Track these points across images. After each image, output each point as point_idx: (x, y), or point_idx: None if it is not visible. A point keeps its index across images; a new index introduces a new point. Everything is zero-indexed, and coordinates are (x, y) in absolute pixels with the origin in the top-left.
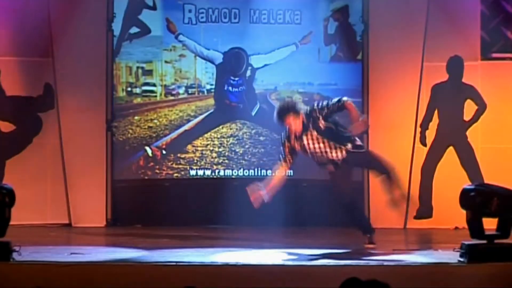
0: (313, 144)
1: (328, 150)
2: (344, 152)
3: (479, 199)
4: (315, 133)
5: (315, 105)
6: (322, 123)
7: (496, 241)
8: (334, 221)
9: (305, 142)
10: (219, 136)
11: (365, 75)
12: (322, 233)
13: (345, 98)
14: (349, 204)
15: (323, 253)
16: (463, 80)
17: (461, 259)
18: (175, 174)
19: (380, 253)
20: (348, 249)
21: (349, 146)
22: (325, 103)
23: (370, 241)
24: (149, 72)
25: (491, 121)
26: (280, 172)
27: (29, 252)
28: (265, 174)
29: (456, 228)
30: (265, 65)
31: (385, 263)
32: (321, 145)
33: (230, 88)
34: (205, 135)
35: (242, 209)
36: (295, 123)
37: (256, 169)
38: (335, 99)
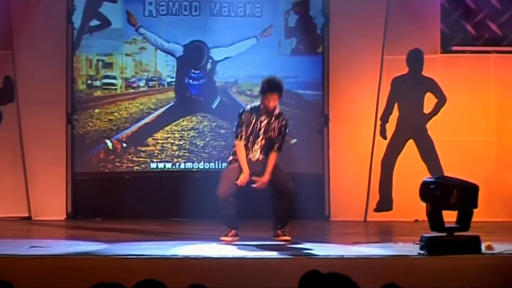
0: (264, 132)
1: (261, 147)
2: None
3: (439, 191)
4: (270, 124)
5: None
6: (278, 126)
7: (456, 233)
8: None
9: (261, 124)
10: (179, 129)
11: (325, 68)
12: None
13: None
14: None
15: (281, 245)
16: (423, 73)
17: (421, 252)
18: (136, 167)
19: (340, 245)
20: (304, 241)
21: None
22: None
23: (283, 234)
24: (109, 65)
25: (451, 114)
26: (241, 148)
27: None
28: (225, 167)
29: (416, 220)
30: (226, 58)
31: (346, 256)
32: (263, 139)
33: (190, 81)
34: (166, 128)
35: (203, 202)
36: (274, 101)
37: (216, 162)
38: (282, 143)
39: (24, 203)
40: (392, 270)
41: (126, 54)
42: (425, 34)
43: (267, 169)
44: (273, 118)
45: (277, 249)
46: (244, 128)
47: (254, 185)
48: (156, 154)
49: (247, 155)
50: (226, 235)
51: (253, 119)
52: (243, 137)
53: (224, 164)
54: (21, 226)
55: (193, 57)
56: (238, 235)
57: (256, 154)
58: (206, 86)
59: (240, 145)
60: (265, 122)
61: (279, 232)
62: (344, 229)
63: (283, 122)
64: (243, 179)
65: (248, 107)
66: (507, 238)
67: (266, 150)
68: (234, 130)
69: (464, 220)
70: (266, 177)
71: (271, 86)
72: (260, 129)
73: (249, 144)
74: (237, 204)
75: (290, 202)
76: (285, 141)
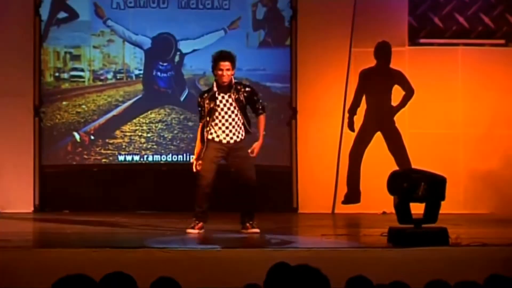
0: (225, 110)
1: (231, 128)
2: (235, 140)
3: (406, 184)
4: (231, 100)
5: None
6: (243, 96)
7: (423, 225)
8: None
9: (219, 103)
10: (147, 121)
11: (293, 60)
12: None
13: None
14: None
15: (249, 237)
16: (391, 65)
17: (389, 244)
18: (103, 160)
19: (308, 238)
20: (273, 234)
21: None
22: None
23: (251, 227)
24: (77, 57)
25: (419, 107)
26: (201, 130)
27: None
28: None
29: (384, 213)
30: (194, 50)
31: (314, 248)
32: (231, 118)
33: (158, 73)
34: (134, 121)
35: (171, 195)
36: (227, 72)
37: (184, 155)
38: (261, 104)
39: None
40: (360, 262)
41: (94, 47)
42: (393, 27)
43: (259, 132)
44: (233, 91)
45: (245, 241)
46: (204, 112)
47: (251, 153)
48: (124, 146)
49: (219, 141)
50: (193, 227)
51: (210, 101)
52: (203, 120)
53: (192, 157)
54: None
55: (161, 50)
56: (203, 228)
57: (230, 136)
58: (174, 78)
59: (200, 127)
60: (225, 99)
61: (248, 225)
62: (312, 221)
63: (247, 89)
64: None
65: (200, 95)
66: (474, 230)
67: (241, 129)
68: None
69: (432, 213)
70: (260, 141)
71: (221, 55)
72: (222, 109)
73: (219, 128)
74: (210, 197)
75: (253, 193)
76: (262, 103)
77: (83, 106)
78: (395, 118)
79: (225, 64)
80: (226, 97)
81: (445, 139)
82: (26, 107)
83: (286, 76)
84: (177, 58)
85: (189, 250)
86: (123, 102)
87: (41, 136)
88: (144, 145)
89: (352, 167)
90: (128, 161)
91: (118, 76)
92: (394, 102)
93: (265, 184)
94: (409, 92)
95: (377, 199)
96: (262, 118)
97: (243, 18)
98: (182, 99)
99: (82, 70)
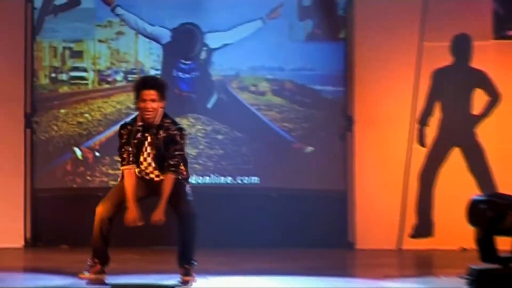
0: (149, 146)
1: (152, 163)
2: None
3: (490, 213)
4: (151, 138)
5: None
6: (161, 140)
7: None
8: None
9: (143, 138)
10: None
11: (348, 57)
12: (290, 254)
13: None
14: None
15: (303, 279)
16: (471, 64)
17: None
18: (112, 182)
19: (368, 280)
20: (330, 275)
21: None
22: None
23: (185, 273)
24: (78, 54)
25: (507, 115)
26: (128, 177)
27: None
28: (224, 181)
29: (463, 249)
30: (224, 45)
31: None
32: (151, 157)
33: (180, 73)
34: None
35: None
36: (156, 104)
37: (213, 176)
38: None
39: None
40: None
41: (100, 41)
42: (474, 16)
43: (161, 199)
44: (160, 130)
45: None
46: (124, 148)
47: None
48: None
49: (139, 171)
50: (88, 270)
51: (131, 134)
52: (126, 159)
53: (222, 178)
54: None
55: (184, 44)
56: (104, 271)
57: (148, 170)
58: (199, 80)
59: (124, 171)
60: (147, 135)
61: (182, 269)
62: (373, 259)
63: (175, 132)
64: (130, 219)
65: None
66: None
67: (160, 166)
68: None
69: None
70: (159, 211)
71: (145, 82)
72: (142, 142)
73: (138, 159)
74: (111, 229)
75: (189, 229)
76: (183, 156)
77: (86, 115)
78: (477, 130)
79: (150, 93)
80: (150, 133)
81: None
82: (15, 116)
83: (339, 76)
84: (203, 55)
85: None
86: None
87: (34, 152)
88: None
89: (423, 191)
90: None
91: (130, 77)
92: (476, 109)
93: (313, 213)
94: (494, 97)
95: (454, 232)
96: (171, 178)
97: (285, 4)
98: (209, 106)
99: (85, 70)
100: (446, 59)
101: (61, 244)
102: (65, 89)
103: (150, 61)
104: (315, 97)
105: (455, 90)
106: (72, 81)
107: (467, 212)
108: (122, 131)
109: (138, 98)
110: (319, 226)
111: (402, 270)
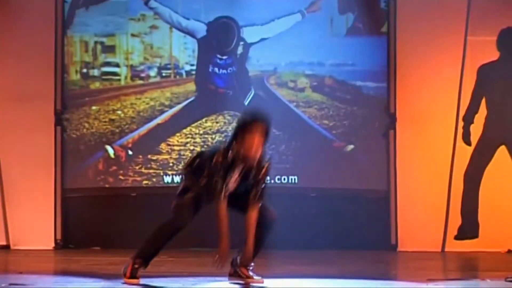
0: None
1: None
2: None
3: None
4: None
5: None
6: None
7: None
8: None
9: (239, 171)
10: (201, 132)
11: (391, 52)
12: (330, 257)
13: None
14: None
15: (343, 281)
16: None
17: None
18: (145, 181)
19: (412, 283)
20: (371, 278)
21: None
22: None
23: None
24: (110, 49)
25: None
26: (222, 212)
27: None
28: None
29: (510, 251)
30: (262, 39)
31: None
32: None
33: (216, 69)
34: (184, 131)
35: (233, 226)
36: (258, 144)
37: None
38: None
39: (0, 229)
40: None
41: (133, 35)
42: None
43: (248, 240)
44: (255, 166)
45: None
46: (221, 174)
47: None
48: (171, 164)
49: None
50: (134, 275)
51: (232, 163)
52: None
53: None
54: None
55: (220, 39)
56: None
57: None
58: (236, 76)
59: (225, 200)
60: (243, 169)
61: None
62: (416, 262)
63: (267, 167)
64: (224, 251)
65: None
66: None
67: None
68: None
69: None
70: (249, 249)
71: (257, 115)
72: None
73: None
74: None
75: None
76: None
77: (119, 112)
78: None
79: (255, 135)
80: (246, 167)
81: None
82: (45, 113)
83: (381, 73)
84: (240, 50)
85: None
86: (171, 106)
87: (64, 151)
88: None
89: (469, 191)
90: (177, 183)
91: (164, 73)
92: None
93: (355, 213)
94: None
95: (501, 233)
96: (255, 215)
97: None
98: (246, 102)
99: (117, 65)
100: (492, 54)
101: (93, 246)
102: (96, 85)
103: (185, 56)
104: (356, 94)
105: (501, 86)
106: (104, 77)
107: None
108: (226, 158)
109: (246, 131)
110: (360, 227)
111: (446, 273)
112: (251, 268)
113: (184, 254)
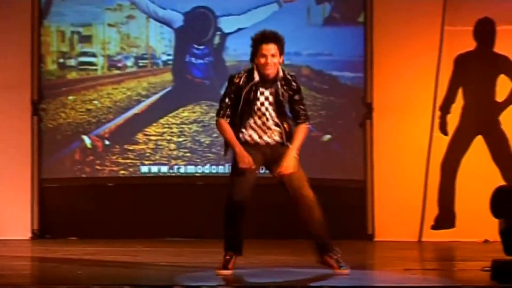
0: (265, 105)
1: (270, 124)
2: (274, 139)
3: None
4: (272, 96)
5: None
6: (285, 95)
7: None
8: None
9: (260, 96)
10: (178, 121)
11: (368, 42)
12: (308, 246)
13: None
14: (232, 212)
15: (315, 272)
16: (495, 49)
17: (493, 282)
18: (122, 171)
19: (388, 273)
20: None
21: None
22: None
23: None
24: (87, 39)
25: None
26: (225, 124)
27: None
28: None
29: (486, 241)
30: (239, 29)
31: (394, 287)
32: (269, 113)
33: (193, 59)
34: (161, 121)
35: (208, 216)
36: (274, 57)
37: (227, 165)
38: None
39: None
40: None
41: (109, 25)
42: None
43: (294, 142)
44: (279, 86)
45: (307, 279)
46: (228, 99)
47: (277, 173)
48: (148, 154)
49: (251, 139)
50: (225, 266)
51: (247, 87)
52: (226, 113)
53: None
54: None
55: (196, 29)
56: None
57: (264, 129)
58: (213, 66)
59: (221, 121)
60: (266, 93)
61: (327, 258)
62: (393, 252)
63: (294, 84)
64: (244, 162)
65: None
66: None
67: (277, 129)
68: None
69: None
70: (288, 160)
71: (265, 36)
72: (258, 101)
73: (248, 123)
74: (244, 218)
75: (318, 215)
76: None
77: (95, 102)
78: (501, 117)
79: (269, 47)
80: (269, 89)
81: None
82: (21, 103)
83: (358, 63)
84: (217, 40)
85: None
86: (147, 96)
87: (41, 141)
88: (174, 153)
89: (445, 181)
90: (154, 173)
91: (141, 63)
92: (500, 97)
93: (331, 203)
94: None
95: (477, 223)
96: (305, 127)
97: None
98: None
99: (94, 55)
100: (469, 44)
101: (69, 236)
102: (73, 75)
103: (162, 46)
104: (333, 84)
105: (478, 76)
106: (81, 67)
107: (491, 203)
108: (235, 80)
109: (257, 53)
110: (337, 216)
111: (423, 263)
112: (334, 256)
113: (160, 244)
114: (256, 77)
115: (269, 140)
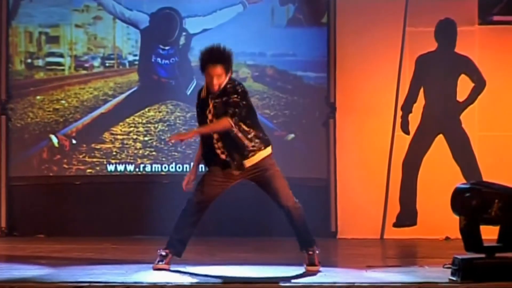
0: (209, 117)
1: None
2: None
3: (476, 201)
4: (213, 108)
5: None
6: (220, 103)
7: (497, 254)
8: (288, 228)
9: (208, 110)
10: (144, 121)
11: (331, 43)
12: (270, 244)
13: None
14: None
15: (280, 270)
16: (456, 50)
17: (453, 278)
18: (88, 170)
19: (350, 270)
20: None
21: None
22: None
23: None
24: (55, 39)
25: (492, 102)
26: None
27: None
28: (202, 170)
29: (447, 238)
30: (204, 30)
31: (357, 283)
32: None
33: (158, 59)
34: (127, 120)
35: (173, 215)
36: (220, 77)
37: (191, 164)
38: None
39: None
40: None
41: (77, 26)
42: (459, 0)
43: (204, 126)
44: (218, 99)
45: (271, 275)
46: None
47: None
48: (114, 153)
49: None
50: (161, 261)
51: (200, 103)
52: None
53: (201, 167)
54: None
55: (162, 29)
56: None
57: (211, 142)
58: (178, 66)
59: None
60: (211, 105)
61: (303, 253)
62: (355, 249)
63: (231, 89)
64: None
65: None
66: None
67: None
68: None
69: (507, 238)
70: (182, 134)
71: (211, 56)
72: (204, 111)
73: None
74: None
75: (299, 220)
76: (240, 107)
77: (63, 102)
78: (462, 117)
79: (215, 69)
80: (213, 101)
81: None
82: None
83: (322, 63)
84: (182, 40)
85: (195, 285)
86: (114, 96)
87: (9, 140)
88: (140, 152)
89: (407, 180)
90: (120, 171)
91: (107, 63)
92: (460, 96)
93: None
94: (479, 84)
95: (438, 221)
96: (225, 119)
97: None
98: (188, 92)
99: (61, 55)
100: (430, 45)
101: (37, 233)
102: (41, 75)
103: (128, 46)
104: (297, 84)
105: (439, 76)
106: (48, 67)
107: (452, 200)
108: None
109: (204, 71)
110: None
111: (385, 260)
112: (310, 252)
113: (127, 241)
114: (204, 92)
115: (218, 154)
